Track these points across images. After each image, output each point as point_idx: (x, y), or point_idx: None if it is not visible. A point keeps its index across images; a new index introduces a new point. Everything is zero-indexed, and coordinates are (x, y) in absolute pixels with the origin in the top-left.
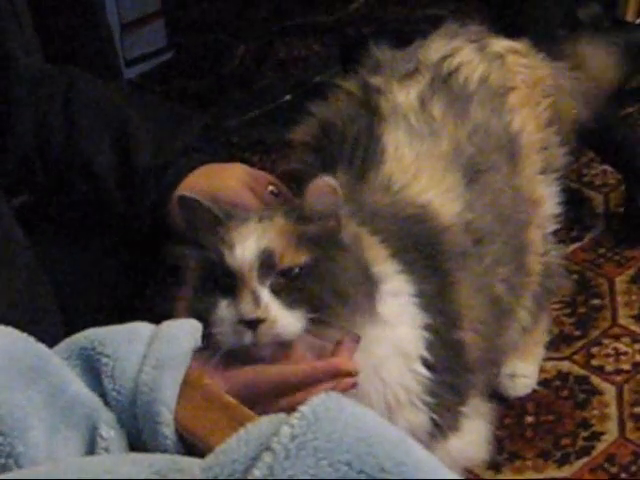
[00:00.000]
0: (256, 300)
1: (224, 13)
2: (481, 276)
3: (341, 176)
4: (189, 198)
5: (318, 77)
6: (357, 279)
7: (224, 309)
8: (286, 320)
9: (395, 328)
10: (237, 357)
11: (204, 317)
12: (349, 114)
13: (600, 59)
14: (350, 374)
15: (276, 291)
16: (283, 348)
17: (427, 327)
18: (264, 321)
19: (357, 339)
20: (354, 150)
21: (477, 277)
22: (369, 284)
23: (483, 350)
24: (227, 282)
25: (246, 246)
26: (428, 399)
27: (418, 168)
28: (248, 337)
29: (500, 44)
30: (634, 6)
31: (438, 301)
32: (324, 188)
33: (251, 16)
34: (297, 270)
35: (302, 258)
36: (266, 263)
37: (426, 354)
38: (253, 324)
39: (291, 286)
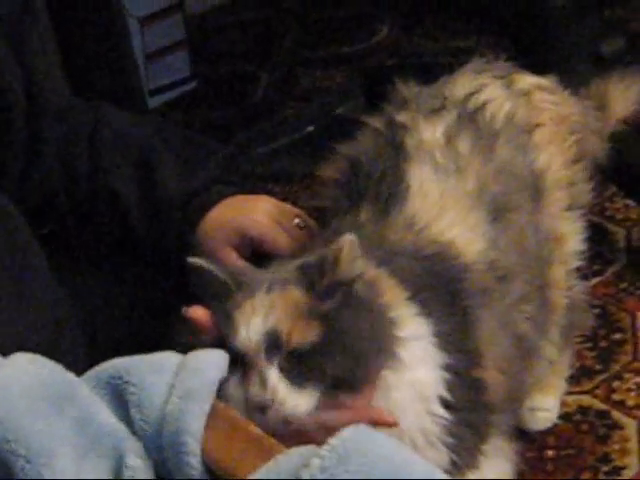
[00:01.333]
0: (263, 382)
1: (248, 43)
2: (504, 314)
3: (366, 213)
4: (196, 263)
5: (341, 108)
6: (373, 334)
7: (233, 387)
8: (295, 401)
9: (413, 371)
10: None
11: None
12: (375, 151)
13: (625, 99)
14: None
15: (285, 370)
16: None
17: (447, 367)
18: (272, 403)
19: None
20: (379, 187)
21: (500, 315)
22: (386, 333)
23: (507, 389)
24: (235, 360)
25: (251, 327)
26: (447, 439)
27: (443, 205)
28: (257, 418)
29: (527, 80)
30: None
31: (458, 340)
32: (353, 248)
33: (275, 47)
34: (307, 347)
35: (312, 334)
36: (273, 344)
37: (445, 394)
38: (261, 407)
39: (301, 363)
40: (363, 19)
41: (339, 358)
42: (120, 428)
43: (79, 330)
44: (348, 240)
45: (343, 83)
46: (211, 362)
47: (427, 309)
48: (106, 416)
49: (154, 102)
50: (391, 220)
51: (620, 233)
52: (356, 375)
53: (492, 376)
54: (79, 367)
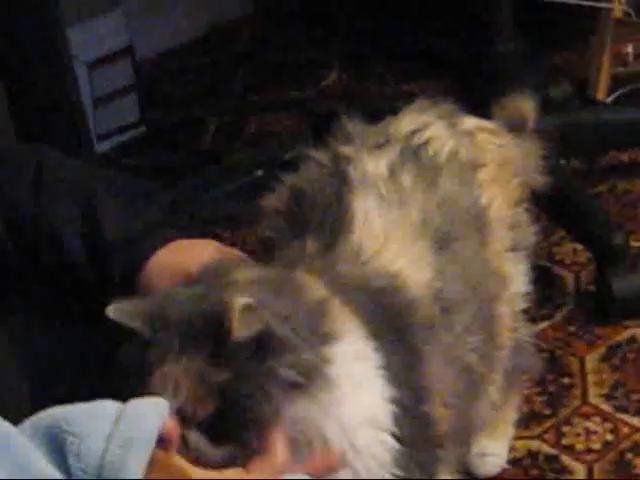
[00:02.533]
0: (186, 444)
1: (196, 88)
2: (451, 346)
3: (310, 244)
4: (114, 318)
5: (289, 153)
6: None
7: None
8: (217, 457)
9: (360, 393)
10: None
11: None
12: (319, 182)
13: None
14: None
15: (204, 430)
16: None
17: (394, 401)
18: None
19: None
20: (323, 218)
21: (447, 348)
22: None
23: (453, 423)
24: None
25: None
26: (398, 472)
27: (387, 236)
28: None
29: (471, 122)
30: (604, 86)
31: (406, 376)
32: (245, 312)
33: (223, 92)
34: (210, 419)
35: (210, 407)
36: (183, 419)
37: (394, 428)
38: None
39: (216, 426)
40: (312, 64)
41: (234, 429)
42: (58, 477)
43: (22, 368)
44: (238, 307)
45: (292, 128)
46: (151, 410)
47: (378, 340)
48: (43, 465)
49: (103, 146)
50: (337, 251)
51: (569, 277)
52: (252, 443)
53: (439, 411)
54: (23, 404)
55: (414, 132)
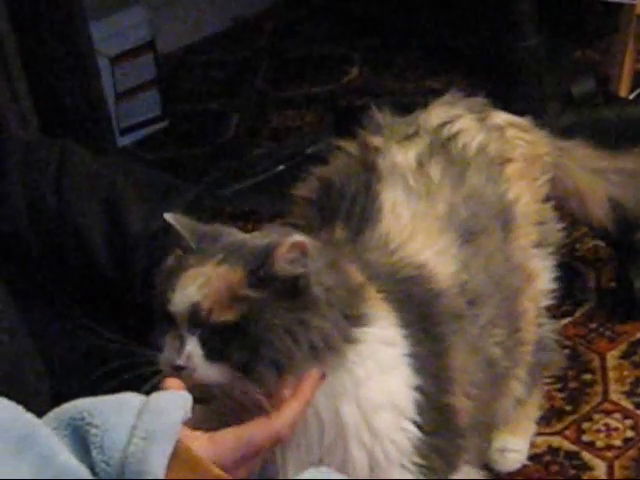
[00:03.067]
0: (180, 348)
1: (219, 83)
2: (476, 338)
3: (339, 232)
4: (169, 222)
5: (311, 148)
6: (309, 334)
7: (165, 345)
8: (205, 372)
9: (386, 378)
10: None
11: None
12: (347, 172)
13: None
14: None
15: (204, 341)
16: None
17: (418, 389)
18: (184, 368)
19: (321, 375)
20: (352, 207)
21: (472, 339)
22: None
23: (476, 415)
24: (169, 325)
25: (181, 296)
26: (417, 459)
27: (414, 228)
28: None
29: (501, 117)
30: (627, 82)
31: (431, 365)
32: (294, 249)
33: (246, 86)
34: (222, 326)
35: (229, 316)
36: (194, 316)
37: (416, 416)
38: (176, 369)
39: (217, 340)
40: (334, 59)
41: (246, 345)
42: (81, 470)
43: (41, 364)
44: (289, 241)
45: (314, 123)
46: (174, 403)
47: (407, 328)
48: (67, 458)
49: (125, 141)
50: (365, 239)
51: (590, 274)
52: (257, 366)
53: (462, 402)
54: (43, 399)
55: (444, 124)
